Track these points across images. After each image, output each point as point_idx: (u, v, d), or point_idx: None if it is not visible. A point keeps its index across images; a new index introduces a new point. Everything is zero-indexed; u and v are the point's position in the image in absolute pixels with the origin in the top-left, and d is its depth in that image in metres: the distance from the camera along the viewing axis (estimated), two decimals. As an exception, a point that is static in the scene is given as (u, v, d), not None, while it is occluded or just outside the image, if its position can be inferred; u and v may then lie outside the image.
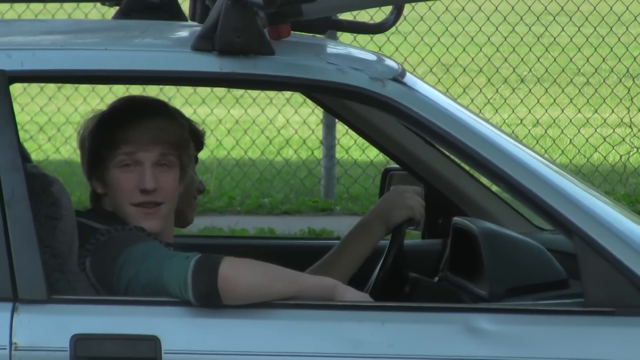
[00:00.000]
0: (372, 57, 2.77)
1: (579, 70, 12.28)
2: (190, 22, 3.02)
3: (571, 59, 11.83)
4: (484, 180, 3.16)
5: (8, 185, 2.38)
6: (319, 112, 10.46)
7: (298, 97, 11.06)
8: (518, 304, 2.51)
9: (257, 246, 3.71)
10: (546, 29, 11.71)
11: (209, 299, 2.38)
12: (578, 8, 10.92)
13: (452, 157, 3.22)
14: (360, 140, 10.81)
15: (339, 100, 3.23)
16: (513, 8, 11.08)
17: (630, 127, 11.02)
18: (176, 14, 3.09)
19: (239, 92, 10.60)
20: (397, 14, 2.93)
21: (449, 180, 3.32)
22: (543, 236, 3.09)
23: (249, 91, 10.62)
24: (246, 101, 11.19)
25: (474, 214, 3.20)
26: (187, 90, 10.37)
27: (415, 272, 3.09)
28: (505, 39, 11.10)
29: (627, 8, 11.88)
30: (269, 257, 2.68)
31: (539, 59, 11.67)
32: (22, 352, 2.34)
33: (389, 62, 2.73)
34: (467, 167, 3.22)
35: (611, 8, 11.52)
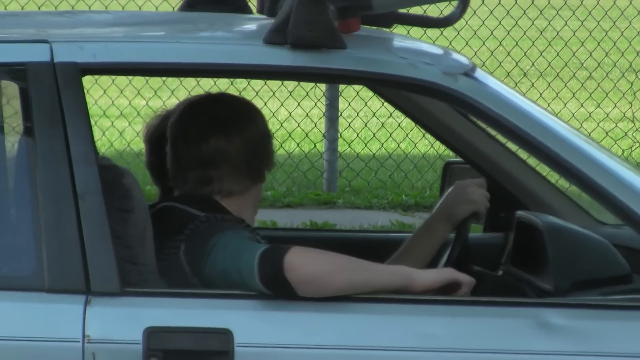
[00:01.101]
0: (443, 52, 2.80)
1: (582, 64, 12.33)
2: (256, 15, 3.03)
3: (574, 53, 11.89)
4: (546, 173, 3.19)
5: (81, 179, 2.41)
6: (322, 105, 10.48)
7: (301, 90, 11.08)
8: (589, 299, 2.52)
9: (313, 238, 3.72)
10: (549, 23, 11.78)
11: (278, 288, 2.40)
12: (581, 2, 10.96)
13: (514, 150, 3.24)
14: (363, 133, 10.83)
15: (403, 93, 3.25)
16: (516, 2, 11.09)
17: (632, 121, 11.09)
18: (241, 6, 3.11)
19: (241, 84, 10.59)
20: (462, 7, 2.95)
21: (511, 174, 3.35)
22: (606, 230, 3.10)
23: (252, 83, 10.59)
24: (249, 94, 11.24)
25: (535, 208, 3.22)
26: (190, 82, 10.36)
27: (477, 265, 3.10)
28: (508, 32, 11.13)
29: (631, 2, 11.94)
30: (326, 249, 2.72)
31: (541, 53, 11.75)
32: (94, 345, 2.35)
33: (459, 56, 2.75)
34: (528, 160, 3.24)
35: (614, 2, 11.56)
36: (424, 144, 10.57)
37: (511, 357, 2.42)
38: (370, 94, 11.32)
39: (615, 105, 11.32)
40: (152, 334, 2.37)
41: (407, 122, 10.90)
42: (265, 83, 10.58)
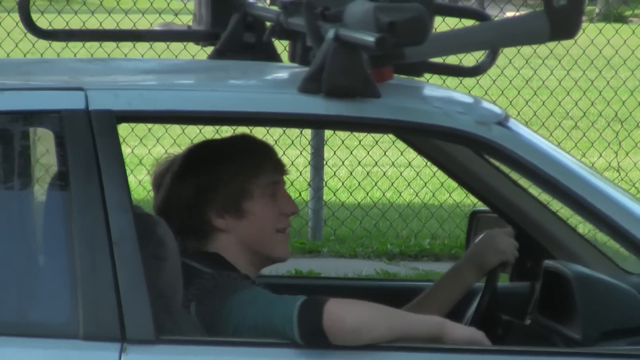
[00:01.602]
0: (476, 101, 2.84)
1: (567, 113, 12.46)
2: (287, 64, 3.06)
3: (560, 103, 12.01)
4: (570, 222, 3.24)
5: (116, 226, 2.41)
6: (307, 154, 10.49)
7: (286, 138, 11.08)
8: (620, 349, 2.54)
9: (339, 287, 3.75)
10: (535, 72, 11.90)
11: (315, 338, 2.40)
12: (567, 51, 11.08)
13: (540, 199, 3.28)
14: (348, 182, 10.85)
15: (433, 142, 3.29)
16: (502, 51, 11.20)
17: (618, 171, 11.17)
18: (272, 55, 3.12)
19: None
20: (493, 57, 3.00)
21: (537, 222, 3.35)
22: (632, 279, 3.12)
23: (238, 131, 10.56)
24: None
25: (562, 257, 3.22)
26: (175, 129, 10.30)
27: (503, 314, 3.13)
28: (494, 82, 11.24)
29: (617, 52, 12.09)
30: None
31: (527, 102, 11.84)
32: None
33: (492, 106, 2.80)
34: (554, 210, 3.28)
35: (600, 52, 11.72)
36: (409, 193, 10.61)
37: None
38: (356, 142, 11.38)
39: (601, 155, 11.41)
40: None
41: (392, 172, 10.96)
42: (251, 131, 10.53)
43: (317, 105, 2.56)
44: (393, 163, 11.03)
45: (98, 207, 2.42)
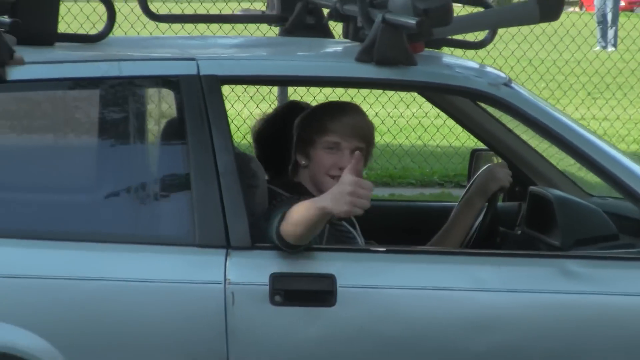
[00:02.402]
0: (486, 68, 3.53)
1: (546, 85, 13.15)
2: (340, 39, 3.73)
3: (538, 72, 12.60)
4: (551, 159, 3.93)
5: (222, 162, 3.08)
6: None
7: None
8: (588, 252, 3.24)
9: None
10: (519, 45, 12.50)
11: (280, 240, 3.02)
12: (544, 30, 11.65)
13: (525, 140, 3.97)
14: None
15: (448, 99, 3.97)
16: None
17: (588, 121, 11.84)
18: (327, 34, 3.80)
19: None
20: (492, 35, 3.69)
21: (524, 158, 4.05)
22: (595, 200, 3.80)
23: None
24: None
25: (542, 184, 3.94)
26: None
27: (501, 227, 3.87)
28: (489, 53, 11.75)
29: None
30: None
31: (512, 69, 12.41)
32: (233, 286, 3.02)
33: (498, 71, 3.49)
34: (537, 148, 3.96)
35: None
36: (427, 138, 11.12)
37: (542, 295, 3.13)
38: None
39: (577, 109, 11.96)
40: (276, 278, 3.03)
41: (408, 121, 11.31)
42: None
43: (370, 71, 3.22)
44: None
45: (208, 148, 3.09)
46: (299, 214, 2.97)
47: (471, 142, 4.10)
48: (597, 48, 19.01)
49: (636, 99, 12.85)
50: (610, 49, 19.61)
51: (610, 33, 20.41)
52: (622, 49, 16.24)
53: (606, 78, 12.93)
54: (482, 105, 3.81)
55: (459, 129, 4.67)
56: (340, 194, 2.87)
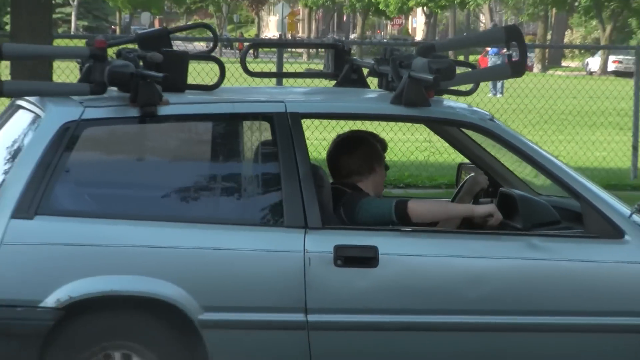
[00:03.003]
0: (473, 108, 5.10)
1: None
2: (375, 89, 5.26)
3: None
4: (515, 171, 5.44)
5: (302, 170, 4.55)
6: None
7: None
8: (542, 232, 4.69)
9: None
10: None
11: (403, 218, 4.64)
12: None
13: (497, 158, 5.42)
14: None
15: (446, 129, 5.50)
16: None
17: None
18: (366, 85, 5.41)
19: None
20: (477, 86, 5.28)
21: (495, 169, 5.50)
22: (543, 197, 5.23)
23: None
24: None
25: (508, 186, 5.35)
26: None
27: None
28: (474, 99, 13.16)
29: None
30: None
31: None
32: (309, 254, 4.45)
33: (483, 111, 5.04)
34: (504, 164, 5.42)
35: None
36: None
37: (513, 260, 4.64)
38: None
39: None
40: (338, 248, 4.47)
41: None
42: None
43: (401, 110, 4.76)
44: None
45: (293, 161, 4.55)
46: (436, 206, 5.10)
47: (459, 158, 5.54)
48: (490, 95, 26.92)
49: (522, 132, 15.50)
50: (498, 95, 27.20)
51: (499, 83, 28.16)
52: (507, 95, 20.72)
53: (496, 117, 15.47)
54: (467, 132, 5.23)
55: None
56: (487, 211, 4.79)
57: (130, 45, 4.93)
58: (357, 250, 4.48)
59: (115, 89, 4.56)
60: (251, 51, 7.32)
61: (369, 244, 4.49)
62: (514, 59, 4.78)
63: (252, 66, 5.58)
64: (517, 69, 4.79)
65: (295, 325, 4.44)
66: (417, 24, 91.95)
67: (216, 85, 4.87)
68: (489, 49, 30.63)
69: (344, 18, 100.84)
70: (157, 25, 56.56)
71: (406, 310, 4.51)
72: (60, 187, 4.47)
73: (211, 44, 6.62)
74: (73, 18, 69.03)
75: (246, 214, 4.64)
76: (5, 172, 4.56)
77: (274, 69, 12.43)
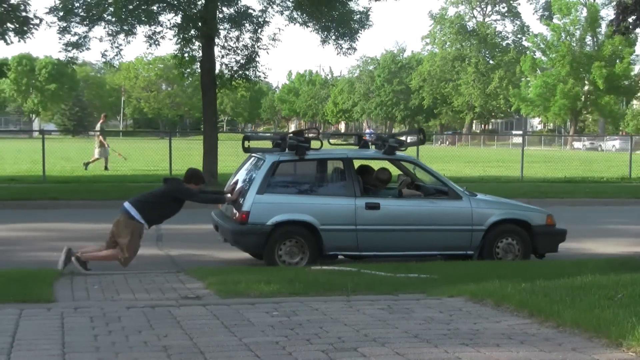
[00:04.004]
0: (407, 155, 14.42)
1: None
2: (373, 149, 14.46)
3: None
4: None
5: (353, 174, 12.82)
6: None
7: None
8: (436, 197, 13.34)
9: None
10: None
11: None
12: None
13: (415, 174, 14.40)
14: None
15: (400, 163, 14.39)
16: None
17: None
18: (367, 147, 14.68)
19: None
20: (422, 139, 13.46)
21: (413, 176, 14.27)
22: (429, 186, 14.07)
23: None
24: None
25: (418, 182, 14.31)
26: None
27: None
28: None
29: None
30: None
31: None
32: (356, 204, 12.50)
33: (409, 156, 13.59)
34: (417, 175, 14.29)
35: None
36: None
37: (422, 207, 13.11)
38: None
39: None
40: (366, 203, 12.68)
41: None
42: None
43: (385, 156, 13.48)
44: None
45: (351, 170, 12.86)
46: None
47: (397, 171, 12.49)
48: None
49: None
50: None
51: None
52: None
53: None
54: (406, 164, 14.20)
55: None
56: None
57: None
58: (372, 203, 12.42)
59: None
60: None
61: (375, 202, 12.45)
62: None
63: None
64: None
65: (352, 229, 12.30)
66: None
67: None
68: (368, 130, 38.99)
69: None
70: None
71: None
72: (271, 184, 12.29)
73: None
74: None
75: (338, 191, 12.47)
76: (253, 178, 12.31)
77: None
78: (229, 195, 12.53)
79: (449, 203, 12.62)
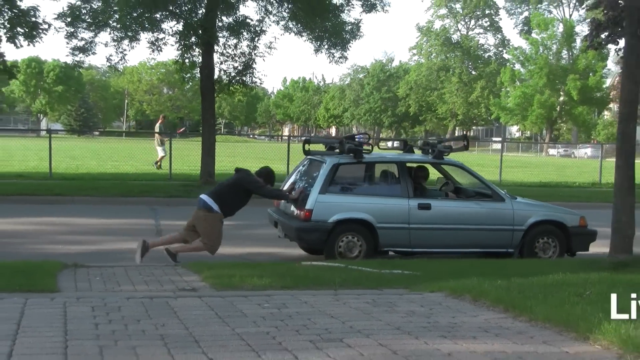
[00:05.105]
0: (454, 159, 12.04)
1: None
2: (421, 154, 14.72)
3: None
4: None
5: (406, 175, 12.83)
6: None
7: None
8: (480, 199, 13.69)
9: None
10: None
11: None
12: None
13: (454, 177, 12.99)
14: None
15: (444, 167, 13.96)
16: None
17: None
18: (410, 150, 14.98)
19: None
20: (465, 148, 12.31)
21: (453, 180, 13.17)
22: (471, 189, 14.26)
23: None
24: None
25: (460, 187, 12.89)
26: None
27: None
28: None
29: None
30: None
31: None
32: (410, 205, 12.71)
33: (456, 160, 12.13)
34: (456, 178, 13.14)
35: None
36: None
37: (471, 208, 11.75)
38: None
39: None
40: (419, 204, 12.96)
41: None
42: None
43: (432, 160, 13.80)
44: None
45: (406, 172, 13.24)
46: None
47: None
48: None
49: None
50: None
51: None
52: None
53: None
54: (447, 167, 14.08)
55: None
56: None
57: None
58: (424, 204, 12.78)
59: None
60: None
61: (427, 202, 12.84)
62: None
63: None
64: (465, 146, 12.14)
65: (405, 227, 12.63)
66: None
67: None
68: (358, 135, 41.03)
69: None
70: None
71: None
72: (331, 184, 12.66)
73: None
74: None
75: (392, 192, 12.84)
76: (315, 179, 12.76)
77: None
78: (291, 193, 12.94)
79: (492, 204, 13.12)
